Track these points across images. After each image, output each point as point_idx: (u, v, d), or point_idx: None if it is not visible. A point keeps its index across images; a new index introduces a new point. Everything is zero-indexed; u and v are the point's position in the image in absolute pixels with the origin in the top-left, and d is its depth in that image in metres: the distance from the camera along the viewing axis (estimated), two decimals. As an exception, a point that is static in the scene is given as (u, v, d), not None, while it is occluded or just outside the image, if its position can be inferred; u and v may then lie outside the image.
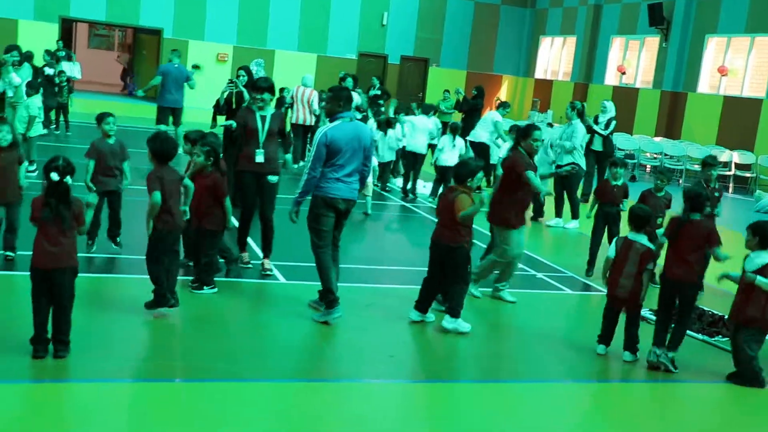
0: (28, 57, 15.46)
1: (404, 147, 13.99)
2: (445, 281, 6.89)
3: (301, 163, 14.59)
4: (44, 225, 5.38)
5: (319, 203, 6.74)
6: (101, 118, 7.89)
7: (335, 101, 6.80)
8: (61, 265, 5.39)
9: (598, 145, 14.92)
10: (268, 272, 7.96)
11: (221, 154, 7.39)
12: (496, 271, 8.08)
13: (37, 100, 11.67)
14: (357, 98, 14.85)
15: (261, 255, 8.10)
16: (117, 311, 6.51)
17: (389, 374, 5.94)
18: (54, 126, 16.74)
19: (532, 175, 7.59)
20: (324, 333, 6.64)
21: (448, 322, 6.83)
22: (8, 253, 7.41)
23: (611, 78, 25.58)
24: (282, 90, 17.64)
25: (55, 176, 5.34)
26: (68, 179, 5.40)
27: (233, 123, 8.88)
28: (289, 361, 6.05)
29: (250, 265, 8.10)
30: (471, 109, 19.02)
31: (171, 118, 15.39)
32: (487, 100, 22.89)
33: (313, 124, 15.38)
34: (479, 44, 29.51)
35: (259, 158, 7.77)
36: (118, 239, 8.11)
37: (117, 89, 28.72)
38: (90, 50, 34.64)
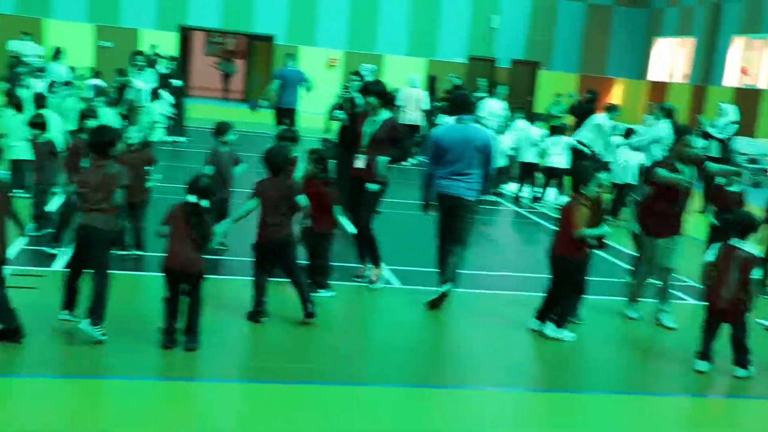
0: (152, 62, 16.08)
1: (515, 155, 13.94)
2: (561, 292, 6.72)
3: (410, 161, 15.18)
4: (176, 233, 5.64)
5: (436, 197, 7.33)
6: (222, 129, 8.11)
7: (451, 104, 7.05)
8: (192, 270, 5.69)
9: (715, 151, 14.26)
10: (368, 281, 7.76)
11: (330, 161, 7.39)
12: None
13: (159, 106, 12.11)
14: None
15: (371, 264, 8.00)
16: (227, 312, 6.65)
17: (507, 382, 5.84)
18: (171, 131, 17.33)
19: (663, 172, 7.12)
20: (441, 338, 6.59)
21: (550, 330, 6.69)
22: (134, 252, 7.70)
23: (731, 79, 24.52)
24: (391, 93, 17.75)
25: (192, 198, 5.64)
26: (205, 202, 5.67)
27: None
28: (404, 366, 6.02)
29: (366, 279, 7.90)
30: (584, 113, 18.55)
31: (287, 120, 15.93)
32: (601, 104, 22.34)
33: (423, 123, 15.77)
34: (591, 46, 28.85)
35: (359, 163, 7.62)
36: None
37: (233, 95, 29.50)
38: (205, 57, 35.73)
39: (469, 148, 7.10)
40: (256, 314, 6.46)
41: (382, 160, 7.47)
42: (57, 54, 17.34)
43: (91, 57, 24.44)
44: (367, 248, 7.79)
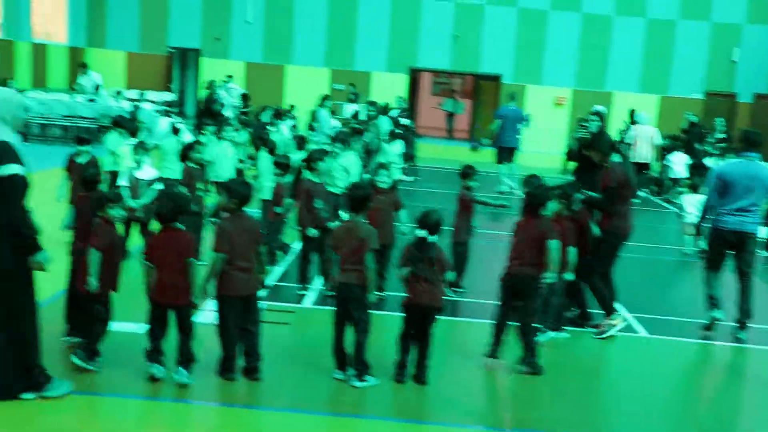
0: (383, 110, 16.78)
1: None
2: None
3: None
4: (413, 271, 5.74)
5: (711, 231, 7.54)
6: (467, 173, 8.18)
7: (743, 140, 7.57)
8: (434, 305, 5.79)
9: None
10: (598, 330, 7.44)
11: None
12: None
13: (395, 147, 12.48)
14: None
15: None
16: (462, 355, 6.60)
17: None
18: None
19: None
20: (699, 395, 6.13)
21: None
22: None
23: None
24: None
25: (420, 233, 5.75)
26: (434, 237, 5.76)
27: None
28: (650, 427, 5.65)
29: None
30: None
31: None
32: None
33: (653, 160, 15.61)
34: None
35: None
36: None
37: (458, 134, 29.90)
38: (432, 97, 36.62)
39: (756, 184, 7.34)
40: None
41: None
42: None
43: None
44: (597, 296, 7.51)
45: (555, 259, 6.27)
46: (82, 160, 8.51)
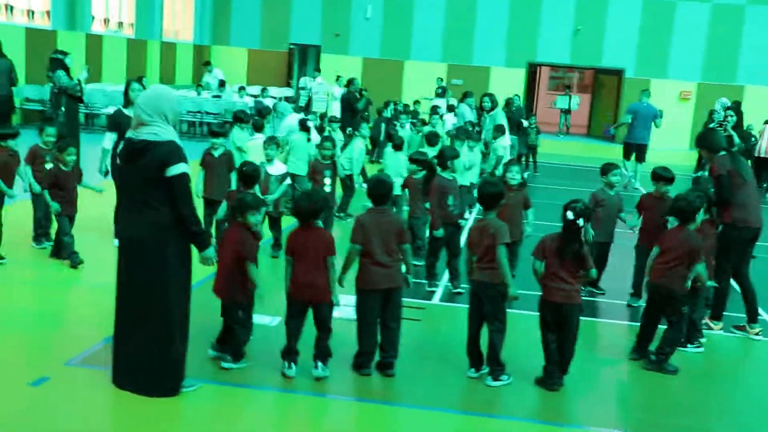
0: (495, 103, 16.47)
1: None
2: None
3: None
4: (553, 263, 5.60)
5: None
6: (607, 169, 7.96)
7: None
8: (569, 301, 5.61)
9: None
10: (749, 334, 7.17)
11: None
12: None
13: (504, 141, 12.34)
14: None
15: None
16: (600, 355, 6.42)
17: None
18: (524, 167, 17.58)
19: None
20: None
21: None
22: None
23: None
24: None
25: (570, 215, 5.55)
26: (581, 221, 5.55)
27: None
28: None
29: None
30: None
31: (635, 155, 16.05)
32: None
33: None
34: None
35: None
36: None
37: (576, 129, 29.25)
38: (548, 93, 36.01)
39: None
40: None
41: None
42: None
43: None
44: (746, 299, 7.21)
45: (704, 275, 6.24)
46: (216, 153, 8.75)
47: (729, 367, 6.66)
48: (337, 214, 10.52)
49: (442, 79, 23.62)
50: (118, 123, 8.32)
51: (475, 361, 5.88)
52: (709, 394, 5.96)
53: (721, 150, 7.16)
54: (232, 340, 5.67)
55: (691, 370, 6.27)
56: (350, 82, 17.72)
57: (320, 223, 5.64)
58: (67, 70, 12.07)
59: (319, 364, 5.59)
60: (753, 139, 15.55)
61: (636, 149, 15.92)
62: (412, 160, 8.59)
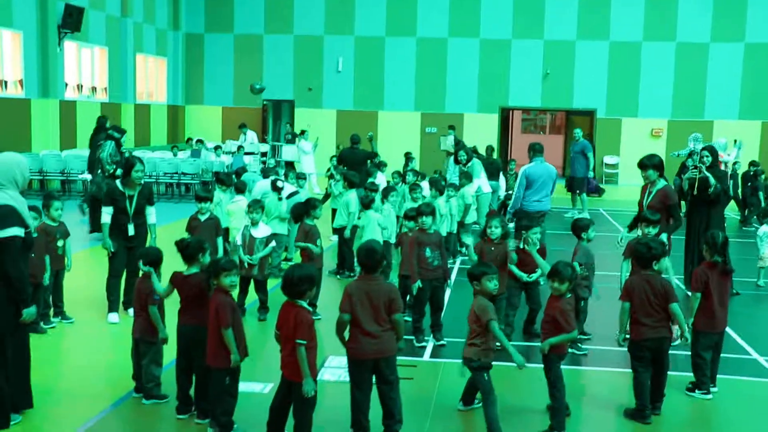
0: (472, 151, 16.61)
1: None
2: None
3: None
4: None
5: None
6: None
7: None
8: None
9: None
10: None
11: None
12: None
13: (470, 189, 12.54)
14: None
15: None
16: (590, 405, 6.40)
17: None
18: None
19: None
20: None
21: None
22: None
23: None
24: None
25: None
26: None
27: None
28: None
29: None
30: None
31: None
32: None
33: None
34: None
35: None
36: None
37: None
38: (522, 135, 36.48)
39: None
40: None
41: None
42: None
43: (417, 143, 26.00)
44: None
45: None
46: (203, 218, 8.69)
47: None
48: (339, 271, 10.89)
49: (453, 127, 22.49)
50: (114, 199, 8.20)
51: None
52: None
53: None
54: (220, 410, 5.52)
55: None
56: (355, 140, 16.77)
57: (304, 303, 5.23)
58: (119, 146, 12.43)
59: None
60: (731, 180, 15.54)
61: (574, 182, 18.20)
62: (407, 216, 8.46)
